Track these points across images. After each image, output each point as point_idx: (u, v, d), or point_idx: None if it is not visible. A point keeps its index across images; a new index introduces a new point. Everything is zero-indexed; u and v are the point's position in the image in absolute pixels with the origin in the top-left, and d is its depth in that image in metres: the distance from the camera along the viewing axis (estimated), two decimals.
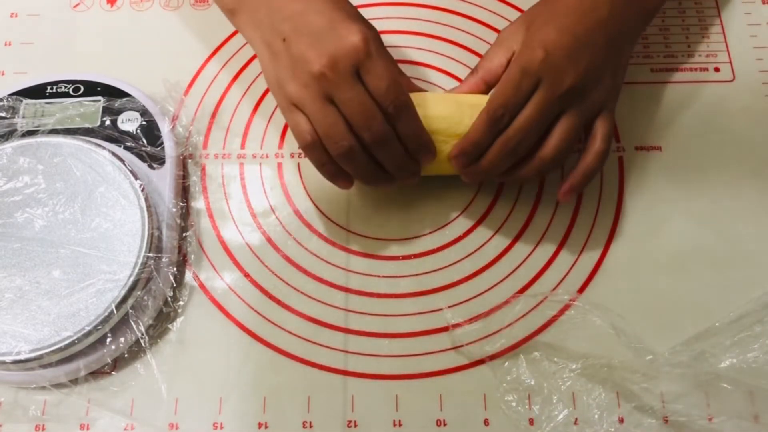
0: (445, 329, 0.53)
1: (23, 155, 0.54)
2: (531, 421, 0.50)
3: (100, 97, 0.59)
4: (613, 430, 0.49)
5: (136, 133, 0.57)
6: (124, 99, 0.58)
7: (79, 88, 0.59)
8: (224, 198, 0.58)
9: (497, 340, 0.52)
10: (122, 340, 0.50)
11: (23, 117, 0.58)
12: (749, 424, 0.50)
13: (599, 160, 0.51)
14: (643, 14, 0.55)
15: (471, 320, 0.53)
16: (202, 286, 0.55)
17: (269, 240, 0.57)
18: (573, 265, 0.56)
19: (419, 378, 0.52)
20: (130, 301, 0.50)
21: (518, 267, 0.55)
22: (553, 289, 0.55)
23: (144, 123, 0.58)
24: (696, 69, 0.63)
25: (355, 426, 0.50)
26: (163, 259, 0.52)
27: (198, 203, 0.58)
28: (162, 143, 0.57)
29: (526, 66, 0.48)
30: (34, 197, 0.53)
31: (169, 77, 0.60)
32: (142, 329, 0.51)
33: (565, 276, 0.55)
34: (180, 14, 0.66)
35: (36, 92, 0.59)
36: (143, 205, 0.52)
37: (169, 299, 0.53)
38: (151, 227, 0.52)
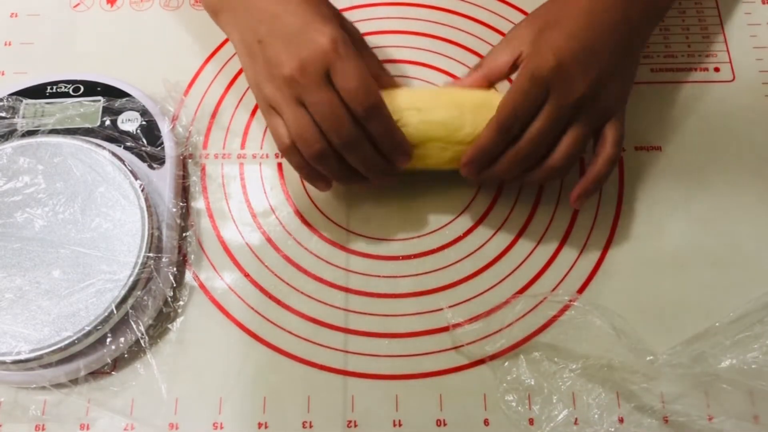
0: (445, 329, 0.53)
1: (23, 155, 0.54)
2: (531, 421, 0.50)
3: (100, 97, 0.59)
4: (613, 430, 0.49)
5: (136, 133, 0.57)
6: (124, 99, 0.58)
7: (79, 88, 0.59)
8: (224, 198, 0.58)
9: (497, 340, 0.52)
10: (122, 340, 0.50)
11: (23, 117, 0.58)
12: (749, 424, 0.50)
13: (610, 165, 0.51)
14: (654, 14, 0.54)
15: (471, 320, 0.53)
16: (202, 286, 0.55)
17: (269, 240, 0.57)
18: (573, 265, 0.56)
19: (419, 378, 0.52)
20: (130, 301, 0.50)
21: (518, 267, 0.55)
22: (553, 290, 0.55)
23: (144, 123, 0.58)
24: (696, 69, 0.63)
25: (355, 426, 0.50)
26: (163, 259, 0.52)
27: (198, 203, 0.58)
28: (162, 143, 0.57)
29: (535, 73, 0.48)
30: (34, 197, 0.52)
31: (169, 77, 0.60)
32: (142, 329, 0.51)
33: (565, 276, 0.55)
34: (180, 14, 0.66)
35: (36, 92, 0.59)
36: (143, 205, 0.52)
37: (169, 299, 0.53)
38: (151, 227, 0.52)
